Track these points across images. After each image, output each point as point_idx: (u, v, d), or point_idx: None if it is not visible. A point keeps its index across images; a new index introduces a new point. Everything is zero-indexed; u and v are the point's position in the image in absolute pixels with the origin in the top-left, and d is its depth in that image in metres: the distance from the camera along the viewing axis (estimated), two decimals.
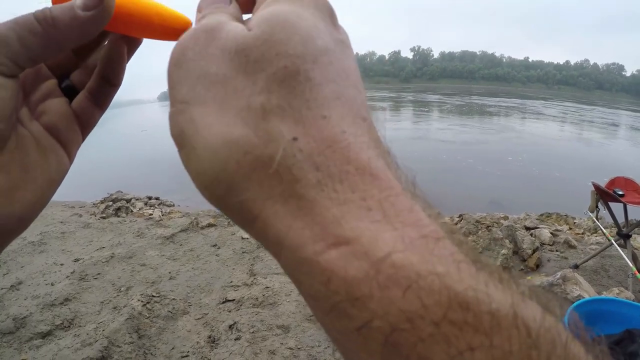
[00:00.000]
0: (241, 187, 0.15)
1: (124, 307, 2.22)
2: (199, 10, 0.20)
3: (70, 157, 0.28)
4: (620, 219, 2.60)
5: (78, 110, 0.29)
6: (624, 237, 2.54)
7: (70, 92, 0.29)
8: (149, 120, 25.24)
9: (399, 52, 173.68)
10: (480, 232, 3.17)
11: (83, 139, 0.30)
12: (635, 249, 2.70)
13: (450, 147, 11.64)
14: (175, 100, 0.17)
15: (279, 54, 0.16)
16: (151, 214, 4.37)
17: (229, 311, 2.22)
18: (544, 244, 3.20)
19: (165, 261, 2.92)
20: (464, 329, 0.12)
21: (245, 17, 0.21)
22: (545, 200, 5.46)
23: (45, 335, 2.02)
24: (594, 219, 2.78)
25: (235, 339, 1.96)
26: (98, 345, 1.85)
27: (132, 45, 0.29)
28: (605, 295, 2.17)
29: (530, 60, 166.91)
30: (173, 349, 1.93)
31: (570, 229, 3.93)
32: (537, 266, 2.88)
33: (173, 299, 2.32)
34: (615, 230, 2.69)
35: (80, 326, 2.10)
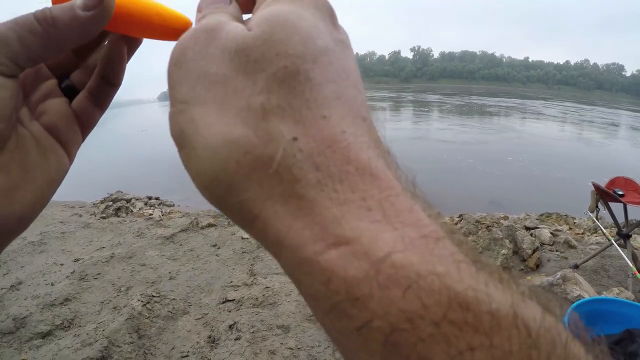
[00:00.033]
0: (241, 187, 0.15)
1: (124, 307, 2.22)
2: (199, 10, 0.20)
3: (70, 157, 0.28)
4: (620, 219, 2.59)
5: (78, 110, 0.29)
6: (624, 237, 2.54)
7: (70, 92, 0.29)
8: (149, 120, 25.23)
9: (399, 52, 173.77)
10: (480, 232, 3.17)
11: (83, 139, 0.30)
12: (635, 249, 2.70)
13: (450, 147, 11.64)
14: (175, 100, 0.17)
15: (279, 54, 0.16)
16: (151, 214, 4.37)
17: (229, 311, 2.22)
18: (544, 244, 3.20)
19: (165, 261, 2.91)
20: (464, 329, 0.12)
21: (245, 17, 0.21)
22: (545, 200, 5.46)
23: (45, 335, 2.02)
24: (594, 219, 2.78)
25: (235, 339, 1.96)
26: (98, 345, 1.85)
27: (132, 45, 0.29)
28: (605, 295, 2.17)
29: (530, 60, 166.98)
30: (173, 349, 1.93)
31: (570, 229, 3.93)
32: (537, 266, 2.88)
33: (173, 299, 2.32)
34: (615, 230, 2.69)
35: (80, 326, 2.10)
